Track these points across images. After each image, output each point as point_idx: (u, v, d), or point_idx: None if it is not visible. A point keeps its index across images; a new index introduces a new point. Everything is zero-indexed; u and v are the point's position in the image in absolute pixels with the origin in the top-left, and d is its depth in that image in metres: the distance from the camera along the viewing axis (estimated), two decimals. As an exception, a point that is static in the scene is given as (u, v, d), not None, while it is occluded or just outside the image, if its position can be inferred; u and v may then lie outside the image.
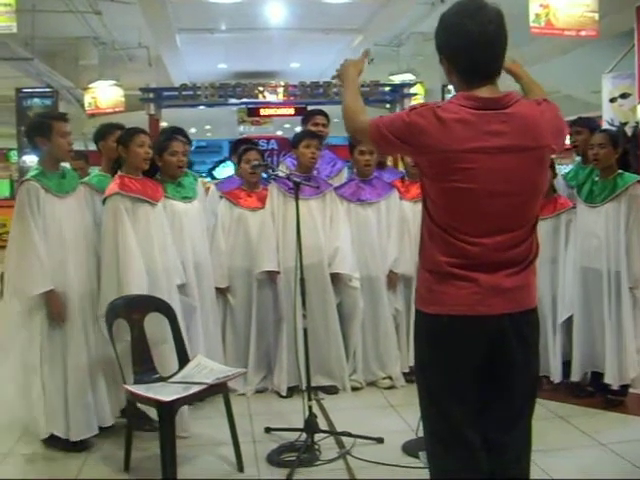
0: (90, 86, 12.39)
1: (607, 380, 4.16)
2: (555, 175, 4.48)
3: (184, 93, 9.48)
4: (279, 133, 18.00)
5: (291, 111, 10.53)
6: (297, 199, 3.73)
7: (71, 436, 3.61)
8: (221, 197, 4.87)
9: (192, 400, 3.58)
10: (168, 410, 3.14)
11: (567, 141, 4.37)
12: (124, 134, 3.97)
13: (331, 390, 4.63)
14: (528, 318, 2.11)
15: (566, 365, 4.41)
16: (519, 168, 2.02)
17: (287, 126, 17.78)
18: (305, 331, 3.78)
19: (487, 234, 2.02)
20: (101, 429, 3.76)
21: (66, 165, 3.98)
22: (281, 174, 3.96)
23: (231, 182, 5.13)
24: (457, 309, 2.02)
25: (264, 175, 4.89)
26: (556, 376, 4.41)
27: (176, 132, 4.77)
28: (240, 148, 5.05)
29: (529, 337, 2.12)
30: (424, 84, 13.61)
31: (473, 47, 2.00)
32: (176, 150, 4.27)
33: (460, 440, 2.08)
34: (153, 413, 3.53)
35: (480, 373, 2.08)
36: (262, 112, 11.08)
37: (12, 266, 3.59)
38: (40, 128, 3.67)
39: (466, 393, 2.08)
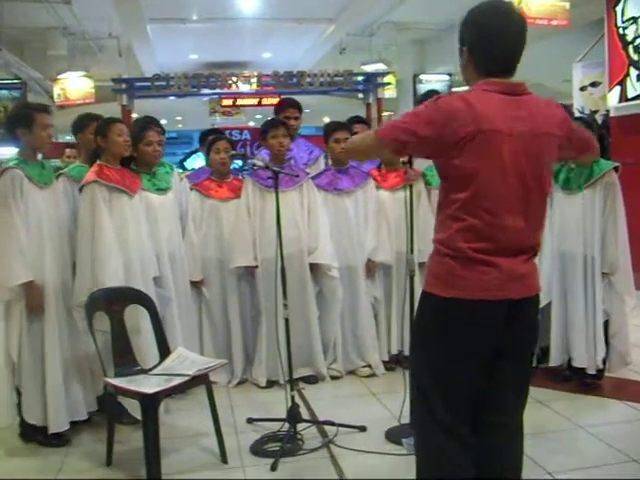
0: (59, 77, 12.15)
1: (578, 364, 4.25)
2: None
3: (157, 83, 9.35)
4: (251, 124, 17.91)
5: (267, 100, 10.48)
6: (277, 189, 3.70)
7: (51, 427, 3.57)
8: (191, 189, 4.80)
9: (174, 392, 3.57)
10: (151, 402, 3.12)
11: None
12: (101, 124, 3.94)
13: (310, 379, 4.63)
14: (535, 301, 2.24)
15: (543, 350, 4.47)
16: (535, 151, 2.10)
17: (259, 117, 17.69)
18: (286, 321, 3.76)
19: (510, 214, 2.08)
20: (78, 423, 3.74)
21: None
22: (260, 163, 3.93)
23: (202, 173, 5.06)
24: (478, 294, 2.08)
25: (237, 165, 4.84)
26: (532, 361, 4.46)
27: (150, 122, 4.71)
28: (209, 138, 5.00)
29: (535, 319, 2.28)
30: (396, 74, 13.62)
31: (494, 40, 2.11)
32: (151, 140, 4.25)
33: (456, 423, 2.14)
34: (130, 405, 3.54)
35: (489, 355, 2.15)
36: (238, 102, 11.02)
37: None
38: (22, 119, 3.62)
39: (472, 375, 2.15)
